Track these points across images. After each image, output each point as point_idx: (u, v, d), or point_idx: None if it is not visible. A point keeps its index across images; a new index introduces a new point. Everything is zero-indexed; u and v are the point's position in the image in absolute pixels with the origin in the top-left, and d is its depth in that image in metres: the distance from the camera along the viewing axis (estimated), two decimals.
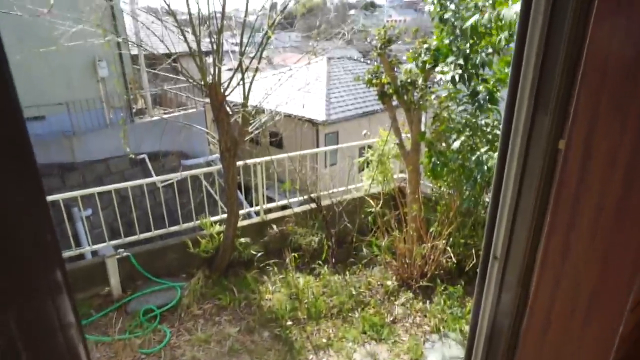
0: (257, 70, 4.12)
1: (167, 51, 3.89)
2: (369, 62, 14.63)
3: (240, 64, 3.82)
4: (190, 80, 3.86)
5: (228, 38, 4.33)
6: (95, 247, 4.41)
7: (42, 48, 3.85)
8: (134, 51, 9.73)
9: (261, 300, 4.11)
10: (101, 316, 3.84)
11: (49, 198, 3.98)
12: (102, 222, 4.40)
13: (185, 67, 3.95)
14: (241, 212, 4.98)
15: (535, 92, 0.91)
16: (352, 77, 13.14)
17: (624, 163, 0.82)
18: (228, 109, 4.00)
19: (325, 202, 5.11)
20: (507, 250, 1.25)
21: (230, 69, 4.30)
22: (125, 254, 4.06)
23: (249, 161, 4.81)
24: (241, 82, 3.90)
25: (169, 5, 3.66)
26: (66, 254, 4.14)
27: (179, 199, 4.61)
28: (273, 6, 4.05)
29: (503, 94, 3.98)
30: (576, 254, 0.93)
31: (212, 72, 3.78)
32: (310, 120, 12.03)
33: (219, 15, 3.72)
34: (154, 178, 4.46)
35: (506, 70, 3.77)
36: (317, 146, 12.14)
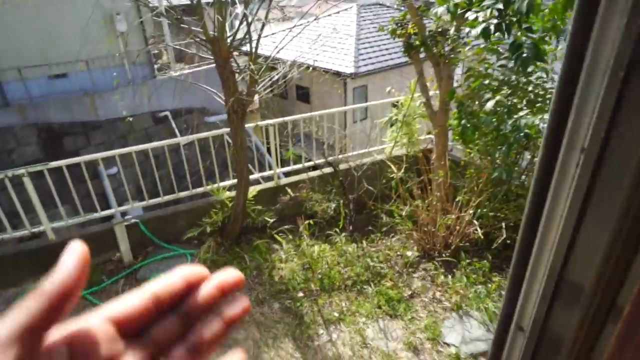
0: (266, 18, 3.70)
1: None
2: (402, 9, 13.50)
3: (245, 15, 3.41)
4: (192, 36, 3.50)
5: None
6: (122, 208, 4.34)
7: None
8: (154, 2, 9.34)
9: (273, 270, 3.96)
10: (112, 283, 3.83)
11: (73, 160, 3.79)
12: (124, 182, 4.22)
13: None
14: (256, 176, 4.75)
15: (615, 54, 0.47)
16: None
17: None
18: (235, 65, 3.65)
19: (344, 166, 4.78)
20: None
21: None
22: (133, 220, 3.97)
23: (260, 123, 4.50)
24: (248, 36, 3.50)
25: None
26: (95, 215, 4.05)
27: (201, 159, 4.36)
28: None
29: (554, 46, 3.37)
30: None
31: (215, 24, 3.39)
32: (337, 73, 11.37)
33: None
34: (163, 142, 4.25)
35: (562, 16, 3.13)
36: (345, 101, 11.58)
